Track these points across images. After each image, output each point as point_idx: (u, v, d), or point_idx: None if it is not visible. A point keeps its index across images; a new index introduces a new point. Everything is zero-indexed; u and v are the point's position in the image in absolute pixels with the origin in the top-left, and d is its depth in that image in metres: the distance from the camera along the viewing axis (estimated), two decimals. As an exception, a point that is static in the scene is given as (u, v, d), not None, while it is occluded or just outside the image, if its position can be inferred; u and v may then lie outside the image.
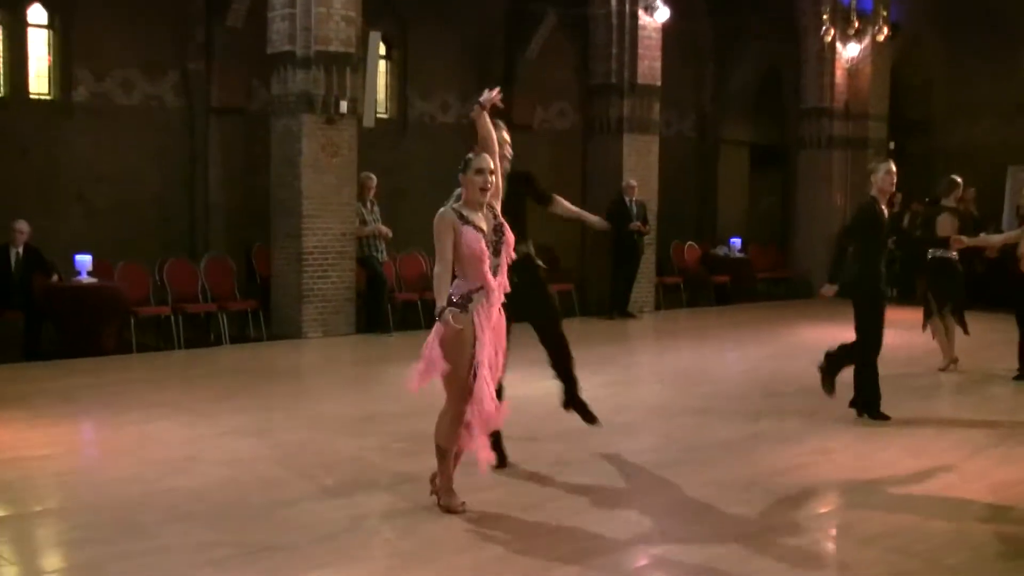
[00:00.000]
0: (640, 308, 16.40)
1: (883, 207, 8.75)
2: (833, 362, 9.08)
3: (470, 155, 6.11)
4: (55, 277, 12.02)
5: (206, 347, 12.82)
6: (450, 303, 5.80)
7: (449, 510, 6.03)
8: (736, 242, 19.00)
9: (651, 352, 13.93)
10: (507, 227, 6.00)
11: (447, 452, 6.01)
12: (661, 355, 13.35)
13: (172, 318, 12.64)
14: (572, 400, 7.64)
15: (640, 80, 16.23)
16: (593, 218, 7.87)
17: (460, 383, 5.86)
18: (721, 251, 19.06)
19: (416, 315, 13.96)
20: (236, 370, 11.40)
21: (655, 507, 6.35)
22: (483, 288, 5.85)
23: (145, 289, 12.95)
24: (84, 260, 12.06)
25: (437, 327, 5.84)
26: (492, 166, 6.02)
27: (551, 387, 9.69)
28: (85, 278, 12.00)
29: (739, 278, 18.52)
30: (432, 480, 6.20)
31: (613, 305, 15.85)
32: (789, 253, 20.42)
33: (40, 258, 12.13)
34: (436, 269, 5.88)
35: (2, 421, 8.42)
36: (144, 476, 6.86)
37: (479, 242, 5.82)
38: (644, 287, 16.59)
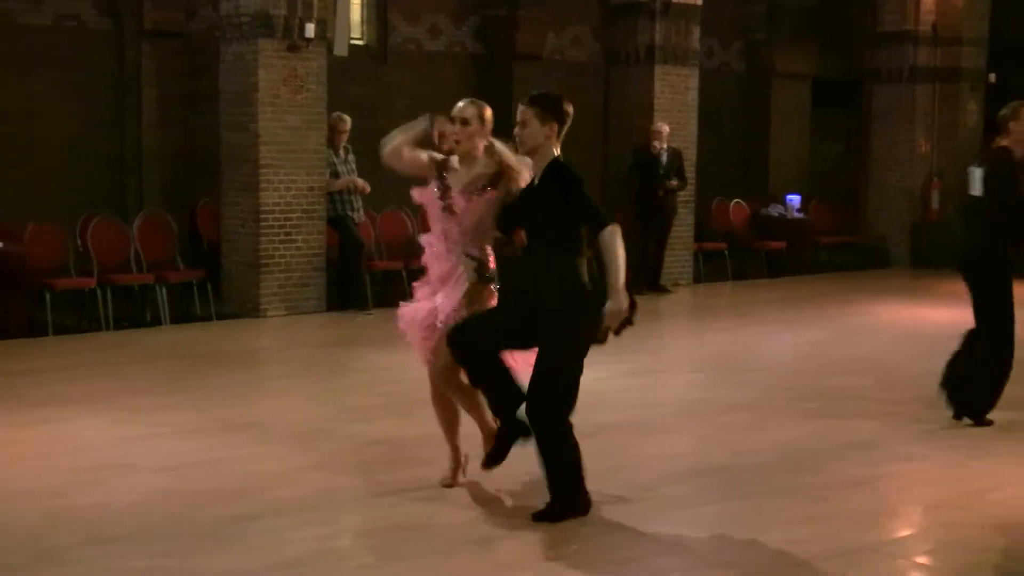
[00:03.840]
0: (675, 281, 16.36)
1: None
2: (965, 386, 8.59)
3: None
4: (-53, 242, 11.97)
5: (140, 327, 12.78)
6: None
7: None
8: (794, 200, 18.93)
9: (688, 334, 13.90)
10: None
11: (471, 408, 6.66)
12: (700, 338, 13.32)
13: (97, 292, 12.58)
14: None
15: (676, -2, 16.15)
16: None
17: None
18: (774, 211, 19.00)
19: (400, 287, 13.89)
20: (177, 356, 11.35)
21: (694, 525, 6.29)
22: None
23: (62, 256, 12.87)
24: (-15, 221, 12.01)
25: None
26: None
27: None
28: (-14, 242, 11.96)
29: (796, 244, 18.47)
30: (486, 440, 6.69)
31: (641, 277, 15.80)
32: (859, 213, 20.36)
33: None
34: None
35: None
36: (61, 488, 6.81)
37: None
38: (679, 255, 16.54)
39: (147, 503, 6.52)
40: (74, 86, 15.07)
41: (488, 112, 6.63)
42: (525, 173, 6.40)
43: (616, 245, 6.04)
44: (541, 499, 6.36)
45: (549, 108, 6.25)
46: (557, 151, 6.24)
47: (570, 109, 6.32)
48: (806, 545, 5.98)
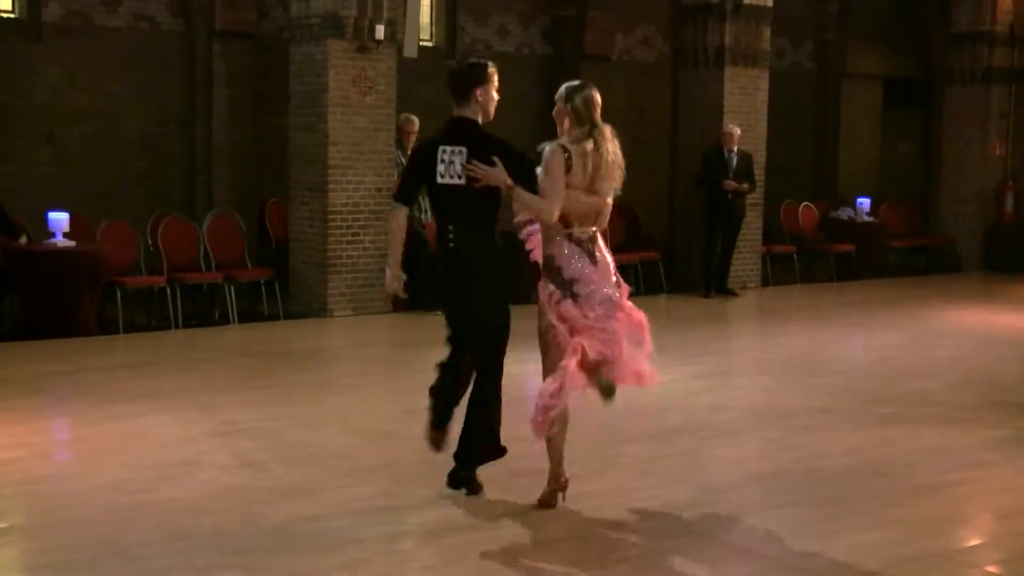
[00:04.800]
0: (743, 284, 16.26)
1: None
2: None
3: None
4: (22, 239, 12.10)
5: (209, 326, 12.89)
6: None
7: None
8: (864, 202, 18.75)
9: (756, 337, 13.81)
10: None
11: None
12: (768, 341, 13.22)
13: (167, 290, 12.70)
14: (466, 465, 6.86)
15: (746, -1, 16.05)
16: None
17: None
18: (844, 213, 18.83)
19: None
20: (245, 354, 11.44)
21: (762, 529, 6.26)
22: None
23: (133, 254, 13.02)
24: (59, 219, 12.13)
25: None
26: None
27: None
28: (60, 240, 12.08)
29: (867, 247, 18.30)
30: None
31: (709, 280, 15.72)
32: (931, 216, 20.14)
33: (3, 216, 12.22)
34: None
35: (-40, 414, 8.51)
36: (131, 485, 6.88)
37: None
38: (747, 258, 16.44)
39: (215, 501, 6.57)
40: (147, 86, 15.26)
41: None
42: None
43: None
44: (602, 504, 6.34)
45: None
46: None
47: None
48: (875, 551, 5.93)
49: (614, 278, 6.43)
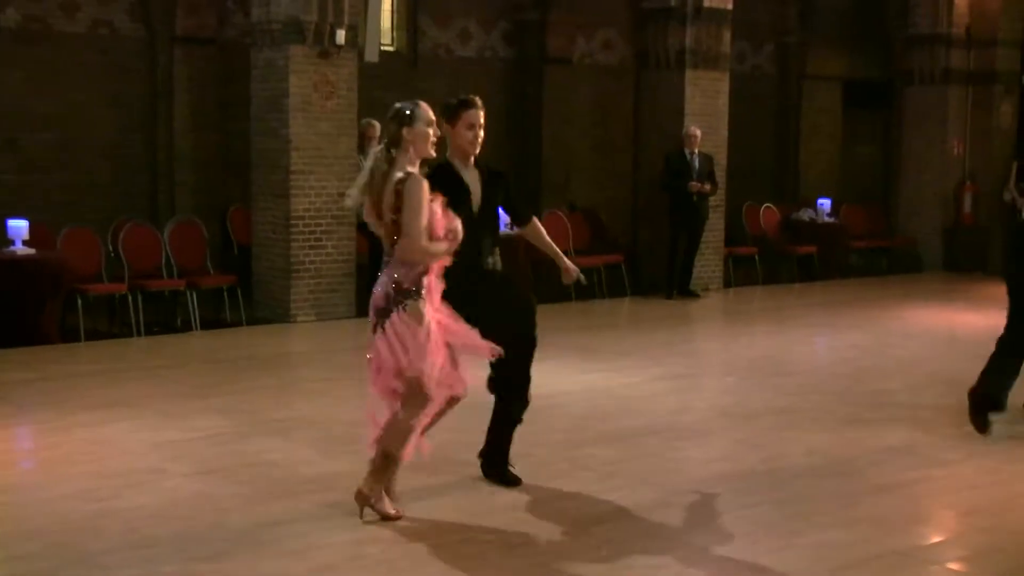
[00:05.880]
0: (705, 285, 16.31)
1: None
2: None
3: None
4: (-18, 247, 12.06)
5: (172, 333, 12.83)
6: (401, 291, 6.20)
7: (386, 516, 6.34)
8: (825, 203, 18.85)
9: (720, 339, 13.86)
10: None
11: (398, 460, 6.37)
12: (732, 342, 13.28)
13: (129, 297, 12.64)
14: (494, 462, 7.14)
15: (707, 3, 16.08)
16: (567, 263, 7.37)
17: (425, 382, 6.25)
18: (806, 214, 18.92)
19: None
20: (209, 360, 11.40)
21: (727, 529, 6.30)
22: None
23: (95, 262, 12.93)
24: (18, 226, 12.05)
25: (402, 319, 6.19)
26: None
27: (594, 380, 9.67)
28: (19, 248, 12.00)
29: (828, 248, 18.38)
30: (361, 494, 6.36)
31: (672, 282, 15.77)
32: (892, 217, 20.26)
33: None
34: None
35: (-79, 424, 8.45)
36: (96, 493, 6.85)
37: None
38: (710, 260, 16.49)
39: (181, 507, 6.56)
40: (108, 92, 15.22)
41: None
42: None
43: None
44: (569, 507, 6.36)
45: None
46: None
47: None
48: (839, 550, 5.99)
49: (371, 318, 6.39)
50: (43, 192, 14.47)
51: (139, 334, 12.48)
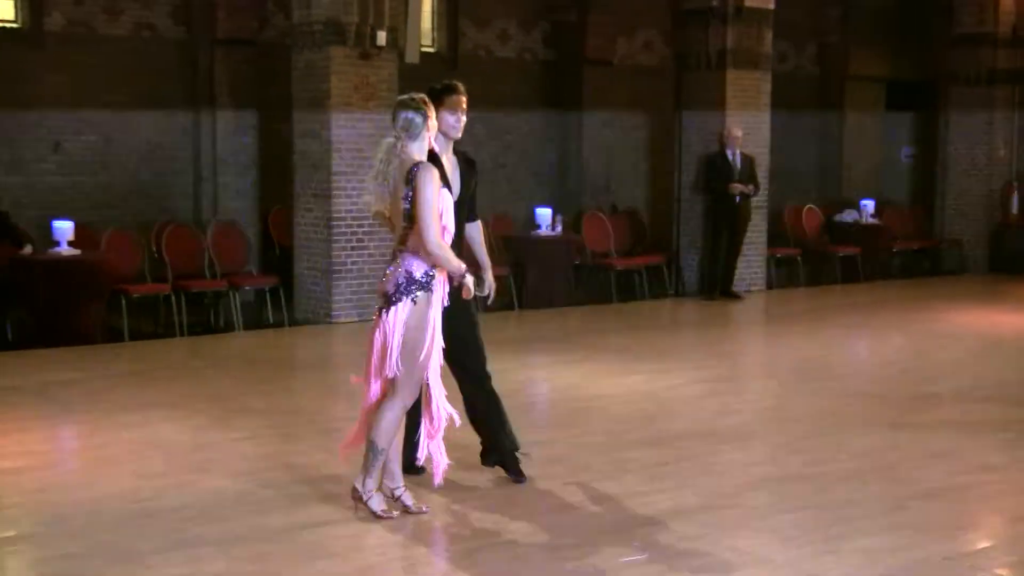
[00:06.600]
0: (747, 287, 16.26)
1: None
2: None
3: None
4: (27, 248, 12.14)
5: (214, 333, 12.90)
6: (413, 281, 6.26)
7: (379, 515, 6.31)
8: (868, 204, 18.76)
9: (762, 341, 13.82)
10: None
11: (385, 452, 6.34)
12: (774, 344, 13.24)
13: (172, 298, 12.72)
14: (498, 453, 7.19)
15: (748, 2, 16.03)
16: (490, 279, 7.12)
17: (420, 375, 6.35)
18: (848, 216, 18.83)
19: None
20: (251, 361, 11.45)
21: (771, 534, 6.26)
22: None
23: (138, 263, 13.05)
24: (63, 227, 12.16)
25: (408, 309, 6.27)
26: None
27: (635, 383, 9.64)
28: (64, 249, 12.11)
29: (871, 249, 18.29)
30: (354, 491, 6.37)
31: (714, 283, 15.73)
32: (936, 218, 20.12)
33: (8, 225, 12.25)
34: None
35: (-34, 424, 8.52)
36: (140, 493, 6.89)
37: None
38: (752, 261, 16.43)
39: (223, 508, 6.58)
40: (150, 94, 15.29)
41: None
42: None
43: None
44: (611, 509, 6.35)
45: None
46: None
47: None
48: (884, 556, 5.94)
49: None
50: (86, 194, 14.57)
51: (181, 334, 12.57)
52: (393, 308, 6.26)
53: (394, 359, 6.24)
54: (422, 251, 6.19)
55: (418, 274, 6.23)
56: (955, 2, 19.30)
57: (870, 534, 6.25)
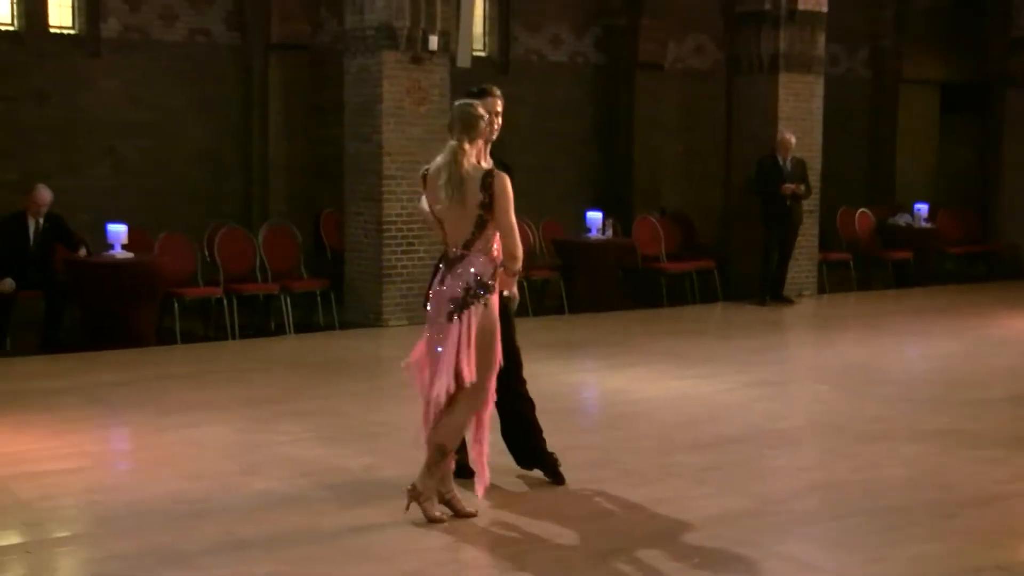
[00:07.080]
0: (799, 291, 16.17)
1: None
2: None
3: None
4: (82, 251, 12.26)
5: (265, 336, 12.97)
6: (482, 284, 6.32)
7: (432, 518, 6.35)
8: (921, 208, 18.59)
9: (812, 345, 13.73)
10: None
11: (450, 454, 6.43)
12: (824, 349, 13.14)
13: (223, 301, 12.80)
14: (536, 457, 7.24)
15: (801, 5, 15.95)
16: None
17: (491, 378, 6.45)
18: (901, 219, 18.68)
19: (521, 298, 13.96)
20: (301, 364, 11.50)
21: (820, 540, 6.23)
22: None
23: (191, 266, 13.14)
24: (117, 231, 12.25)
25: (480, 313, 6.32)
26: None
27: (684, 387, 9.59)
28: (118, 252, 12.21)
29: (924, 253, 18.15)
30: (414, 490, 6.38)
31: (765, 288, 15.64)
32: (990, 222, 19.93)
33: (63, 228, 12.37)
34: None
35: (17, 427, 8.61)
36: (190, 494, 6.94)
37: None
38: (803, 265, 16.34)
39: (272, 510, 6.61)
40: (204, 99, 15.44)
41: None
42: None
43: None
44: (659, 514, 6.33)
45: None
46: None
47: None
48: (935, 563, 5.88)
49: (441, 308, 6.39)
50: (139, 197, 14.72)
51: (233, 337, 12.64)
52: (466, 312, 6.29)
53: (472, 365, 6.27)
54: (484, 256, 6.28)
55: (486, 278, 6.29)
56: (1013, 4, 19.11)
57: (921, 541, 6.19)
